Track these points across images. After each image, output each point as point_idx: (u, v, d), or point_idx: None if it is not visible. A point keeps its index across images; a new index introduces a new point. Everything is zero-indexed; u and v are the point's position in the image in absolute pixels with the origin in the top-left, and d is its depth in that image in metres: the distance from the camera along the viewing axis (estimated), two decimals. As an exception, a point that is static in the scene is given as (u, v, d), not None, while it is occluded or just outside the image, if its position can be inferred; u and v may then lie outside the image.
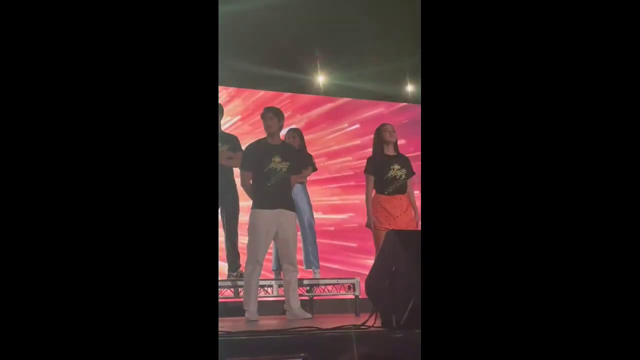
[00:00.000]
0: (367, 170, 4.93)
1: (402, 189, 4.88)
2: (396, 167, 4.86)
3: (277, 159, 4.57)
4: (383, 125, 5.05)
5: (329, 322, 3.93)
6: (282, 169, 4.57)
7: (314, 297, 5.89)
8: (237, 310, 4.74)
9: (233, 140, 5.43)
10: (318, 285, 5.83)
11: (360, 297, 5.59)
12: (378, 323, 3.48)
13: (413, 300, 3.26)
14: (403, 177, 4.87)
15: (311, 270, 5.80)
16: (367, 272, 3.77)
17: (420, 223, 4.98)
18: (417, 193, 5.14)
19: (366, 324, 3.44)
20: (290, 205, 4.66)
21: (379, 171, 4.85)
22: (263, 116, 4.69)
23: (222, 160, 5.12)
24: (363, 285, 4.39)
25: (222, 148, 5.22)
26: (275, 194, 4.54)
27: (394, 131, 4.95)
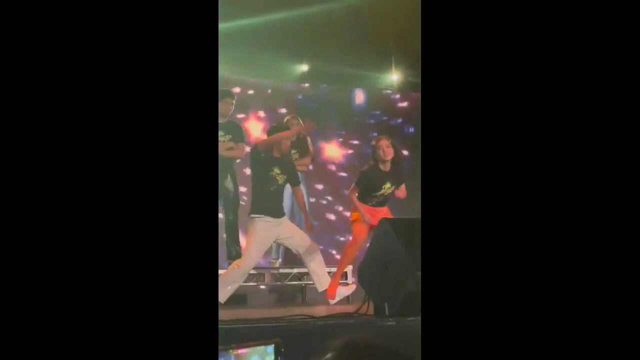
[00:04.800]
0: (358, 183, 4.59)
1: (384, 203, 4.70)
2: (387, 185, 4.65)
3: (277, 170, 4.40)
4: (379, 140, 4.63)
5: (321, 310, 3.94)
6: (280, 180, 4.31)
7: (307, 285, 5.89)
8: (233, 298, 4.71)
9: (237, 130, 5.11)
10: (311, 273, 5.81)
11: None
12: (371, 311, 3.48)
13: (406, 288, 3.26)
14: (390, 192, 4.68)
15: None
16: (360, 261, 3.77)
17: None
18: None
19: (359, 312, 3.44)
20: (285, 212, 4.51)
21: (370, 186, 4.61)
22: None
23: (222, 151, 4.83)
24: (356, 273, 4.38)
25: (225, 138, 4.97)
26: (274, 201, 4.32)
27: (389, 146, 4.58)
